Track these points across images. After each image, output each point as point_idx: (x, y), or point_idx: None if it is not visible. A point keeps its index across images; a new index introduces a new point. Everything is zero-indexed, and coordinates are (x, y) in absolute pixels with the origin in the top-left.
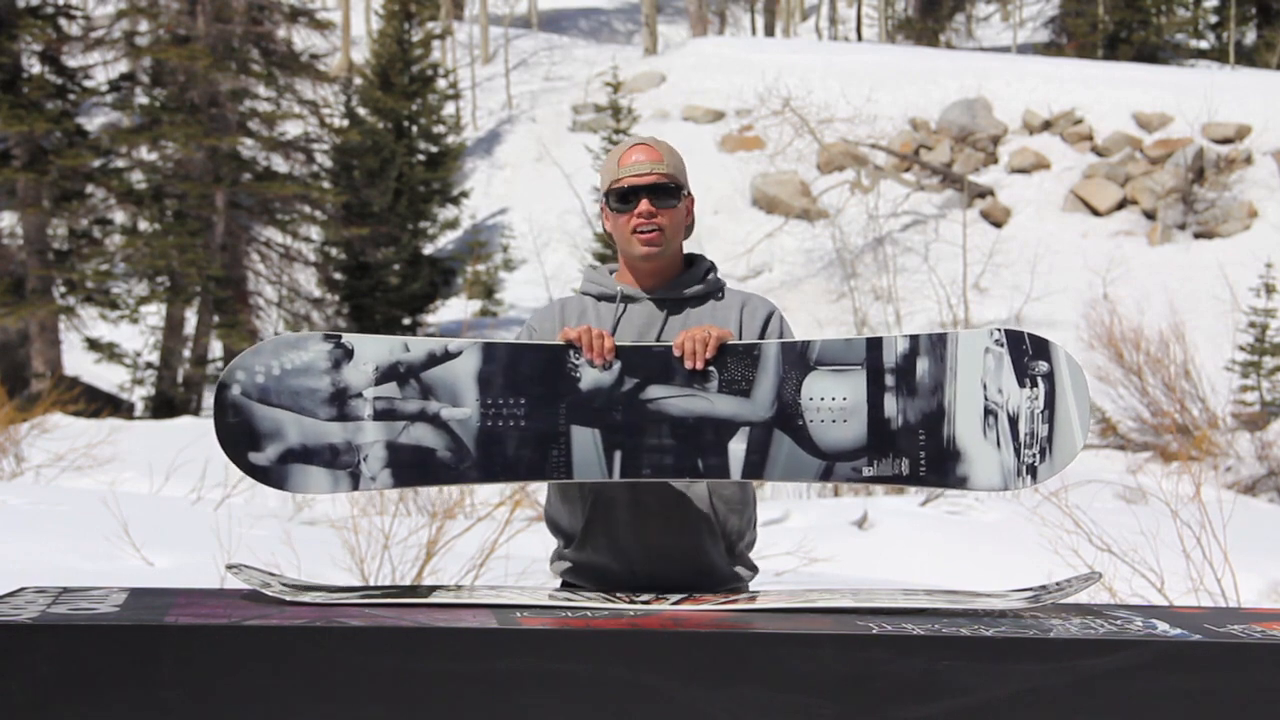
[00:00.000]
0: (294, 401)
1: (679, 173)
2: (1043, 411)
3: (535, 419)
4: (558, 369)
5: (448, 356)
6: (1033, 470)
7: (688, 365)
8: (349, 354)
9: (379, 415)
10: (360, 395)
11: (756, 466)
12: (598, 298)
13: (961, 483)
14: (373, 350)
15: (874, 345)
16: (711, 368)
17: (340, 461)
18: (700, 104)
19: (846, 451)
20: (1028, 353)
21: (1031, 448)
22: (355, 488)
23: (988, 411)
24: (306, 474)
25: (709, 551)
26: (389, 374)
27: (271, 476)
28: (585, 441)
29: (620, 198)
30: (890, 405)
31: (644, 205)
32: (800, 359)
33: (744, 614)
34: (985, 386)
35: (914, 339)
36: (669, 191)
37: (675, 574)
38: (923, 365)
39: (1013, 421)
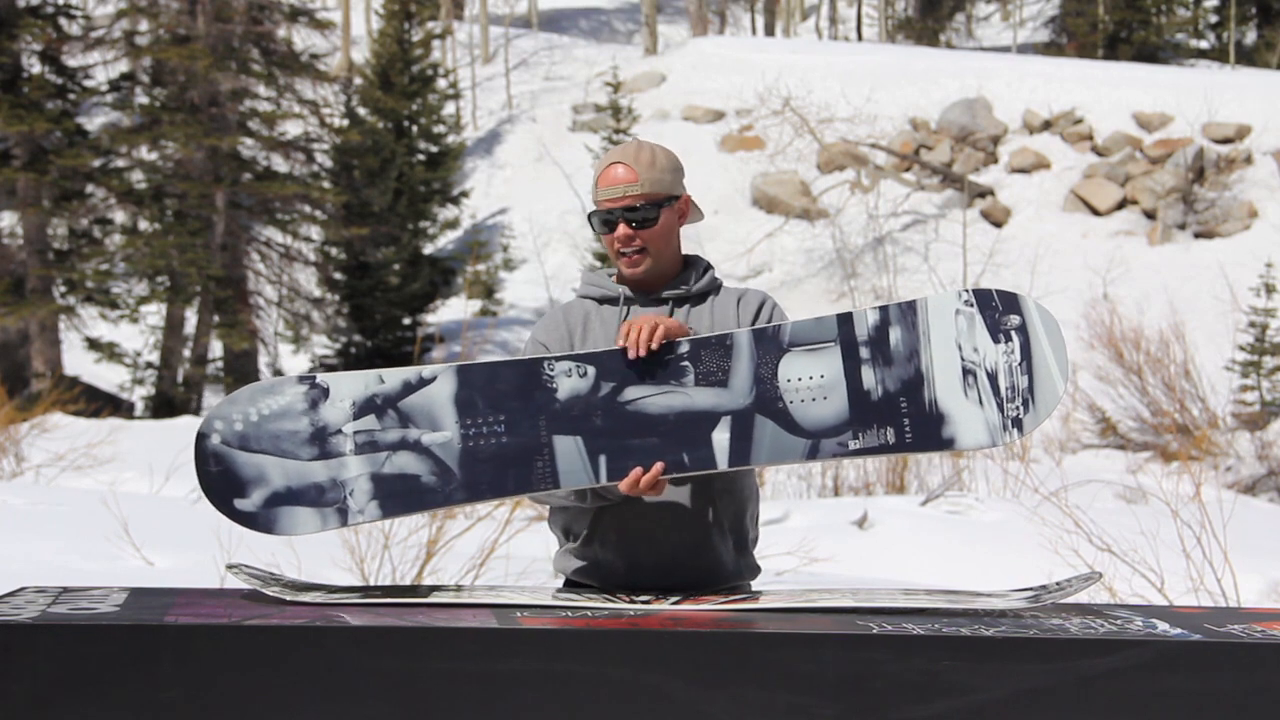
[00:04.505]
0: (274, 445)
1: (660, 185)
2: (1020, 363)
3: (516, 434)
4: (533, 382)
5: (423, 383)
6: (1018, 423)
7: (631, 354)
8: (325, 393)
9: (360, 449)
10: (340, 431)
11: (742, 453)
12: (600, 301)
13: (949, 444)
14: (349, 386)
15: (845, 321)
16: (686, 362)
17: (326, 499)
18: (700, 104)
19: (830, 428)
20: (998, 309)
21: (1014, 400)
22: (344, 523)
23: (966, 371)
24: (294, 515)
25: (717, 547)
26: (366, 407)
27: (259, 521)
28: (569, 450)
29: (600, 220)
30: (868, 377)
31: (621, 230)
32: (773, 343)
33: (744, 614)
34: (960, 347)
35: (884, 309)
36: (646, 211)
37: (683, 570)
38: (895, 334)
39: (992, 378)
